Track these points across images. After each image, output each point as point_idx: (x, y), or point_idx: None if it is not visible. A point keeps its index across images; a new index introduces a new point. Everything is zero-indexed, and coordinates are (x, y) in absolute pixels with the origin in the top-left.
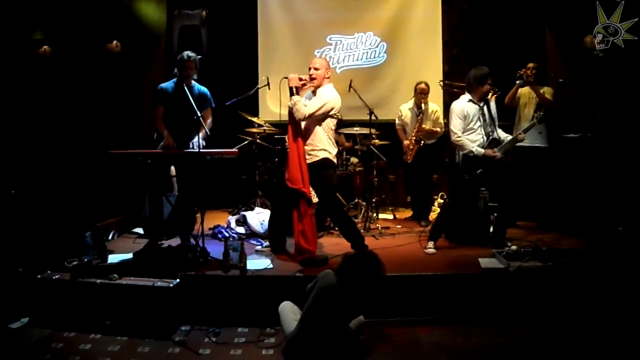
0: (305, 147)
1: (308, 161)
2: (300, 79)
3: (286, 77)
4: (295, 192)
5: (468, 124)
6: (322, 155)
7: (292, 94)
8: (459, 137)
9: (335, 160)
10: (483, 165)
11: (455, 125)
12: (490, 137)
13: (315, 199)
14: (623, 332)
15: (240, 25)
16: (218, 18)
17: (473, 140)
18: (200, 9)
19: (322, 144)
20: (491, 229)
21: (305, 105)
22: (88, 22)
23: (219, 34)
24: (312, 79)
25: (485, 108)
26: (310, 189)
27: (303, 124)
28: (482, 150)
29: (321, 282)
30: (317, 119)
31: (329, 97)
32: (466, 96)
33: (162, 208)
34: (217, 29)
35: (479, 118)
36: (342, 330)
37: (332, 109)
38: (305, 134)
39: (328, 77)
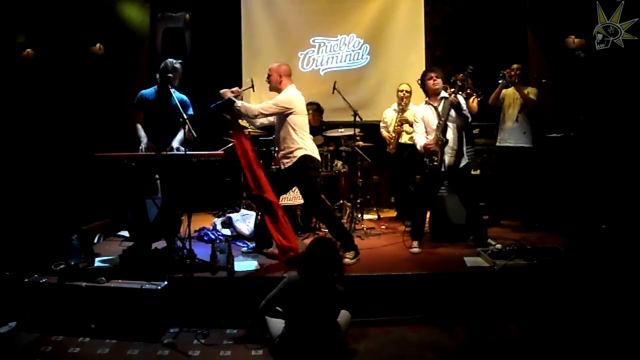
0: (282, 152)
1: (289, 164)
2: (232, 91)
3: (220, 92)
4: (260, 198)
5: (426, 126)
6: (299, 154)
7: (232, 104)
8: (413, 134)
9: (316, 157)
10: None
11: (414, 126)
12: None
13: (299, 201)
14: (607, 328)
15: (224, 28)
16: (202, 20)
17: None
18: (184, 11)
19: (297, 144)
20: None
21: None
22: (71, 25)
23: (203, 36)
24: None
25: (439, 109)
26: (296, 191)
27: (280, 133)
28: (422, 143)
29: (285, 280)
30: (280, 120)
31: (281, 96)
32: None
33: (145, 211)
34: (200, 31)
35: (435, 120)
36: (328, 328)
37: (287, 107)
38: (278, 140)
39: (281, 81)
